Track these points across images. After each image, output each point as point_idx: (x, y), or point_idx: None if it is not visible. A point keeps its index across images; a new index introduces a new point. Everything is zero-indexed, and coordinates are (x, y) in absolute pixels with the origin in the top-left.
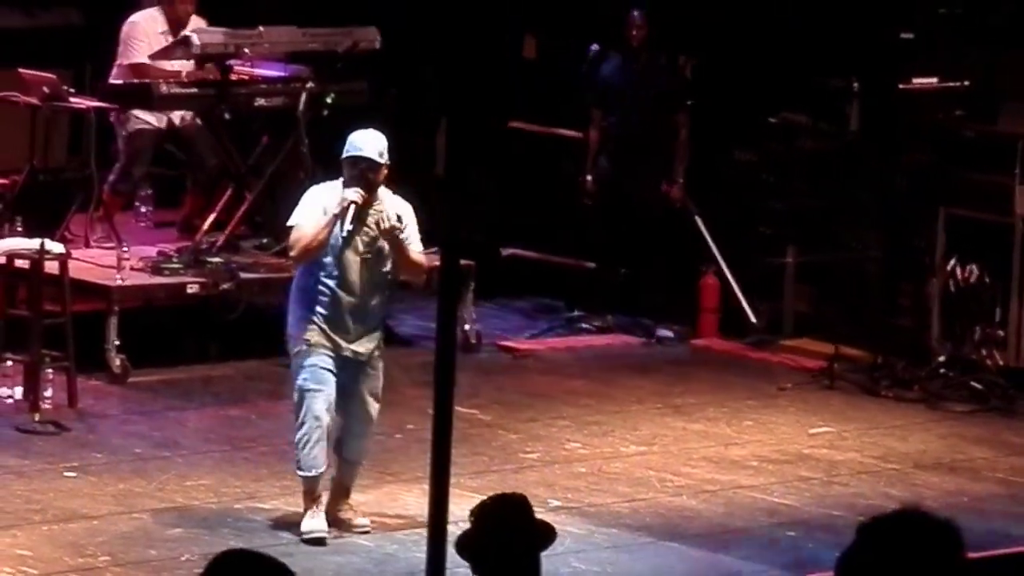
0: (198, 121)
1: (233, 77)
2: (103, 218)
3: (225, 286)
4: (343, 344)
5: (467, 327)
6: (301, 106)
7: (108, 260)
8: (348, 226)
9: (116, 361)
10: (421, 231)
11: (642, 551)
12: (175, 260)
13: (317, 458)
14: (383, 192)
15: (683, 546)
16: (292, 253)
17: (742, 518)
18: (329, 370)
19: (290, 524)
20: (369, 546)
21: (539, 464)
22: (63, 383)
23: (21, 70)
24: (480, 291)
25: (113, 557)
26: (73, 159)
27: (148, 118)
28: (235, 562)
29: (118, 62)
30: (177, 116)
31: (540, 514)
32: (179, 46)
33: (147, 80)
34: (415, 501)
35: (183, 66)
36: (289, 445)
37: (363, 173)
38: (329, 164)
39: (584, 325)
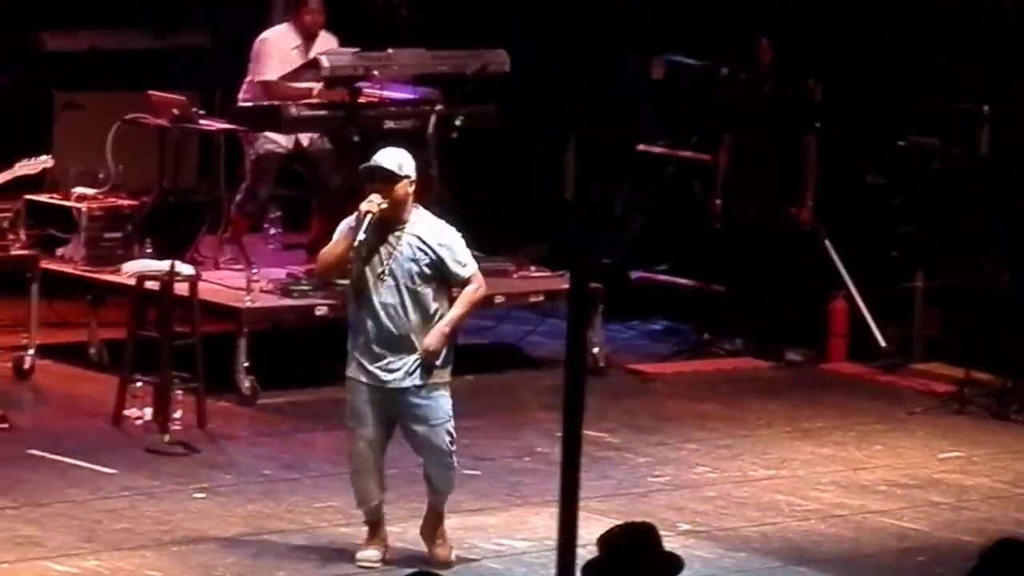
0: (326, 142)
1: (362, 99)
2: (232, 239)
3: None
4: (380, 374)
5: (596, 350)
6: (430, 128)
7: (237, 282)
8: (361, 235)
9: (245, 383)
10: (547, 258)
11: None
12: (304, 282)
13: (365, 492)
14: (418, 215)
15: (812, 571)
16: (315, 268)
17: (871, 543)
18: (367, 404)
19: (422, 546)
20: (498, 568)
21: (668, 488)
22: (192, 404)
23: (151, 92)
24: (609, 314)
25: None
26: (202, 181)
27: (277, 138)
28: None
29: (249, 79)
30: (305, 137)
31: (669, 538)
32: (309, 68)
33: (276, 101)
34: (543, 524)
35: (313, 86)
36: (418, 467)
37: (380, 185)
38: (458, 187)
39: (713, 348)
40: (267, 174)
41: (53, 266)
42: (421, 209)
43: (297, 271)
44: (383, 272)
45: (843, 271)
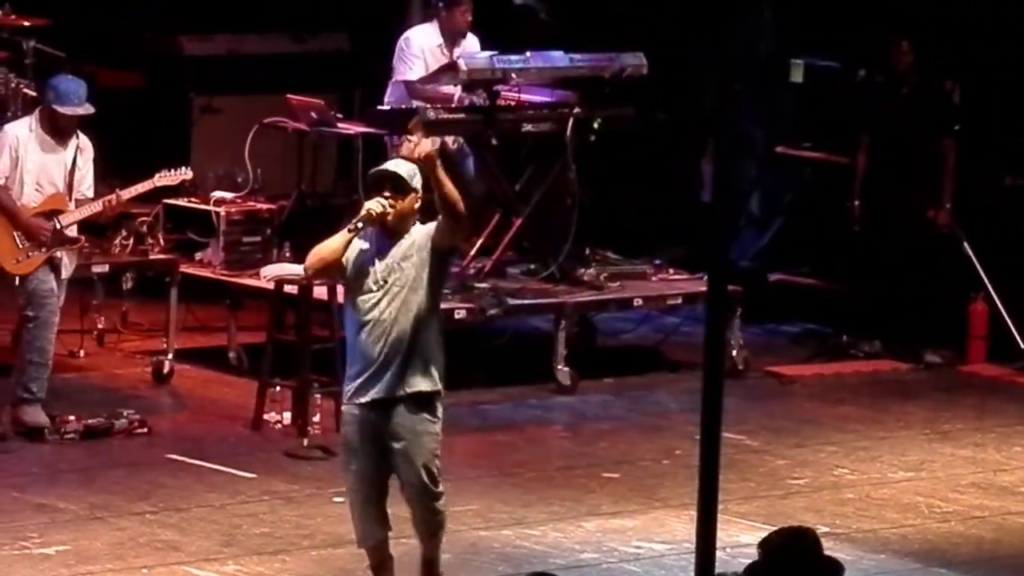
0: (466, 145)
1: (500, 102)
2: None
3: (492, 312)
4: (374, 394)
5: (734, 353)
6: (568, 132)
7: None
8: (359, 224)
9: None
10: (686, 261)
11: None
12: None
13: (363, 531)
14: (416, 229)
15: (951, 573)
16: (305, 263)
17: (1012, 544)
18: (359, 433)
19: (561, 550)
20: (636, 571)
21: (807, 490)
22: (331, 408)
23: (289, 96)
24: (747, 316)
25: None
26: (340, 184)
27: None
28: None
29: (393, 79)
30: (448, 138)
31: None
32: (447, 71)
33: (417, 103)
34: (682, 527)
35: (453, 90)
36: (557, 471)
37: (388, 191)
38: (597, 189)
39: (852, 350)
40: None
41: (192, 270)
42: (420, 225)
43: None
44: (382, 285)
45: (982, 273)
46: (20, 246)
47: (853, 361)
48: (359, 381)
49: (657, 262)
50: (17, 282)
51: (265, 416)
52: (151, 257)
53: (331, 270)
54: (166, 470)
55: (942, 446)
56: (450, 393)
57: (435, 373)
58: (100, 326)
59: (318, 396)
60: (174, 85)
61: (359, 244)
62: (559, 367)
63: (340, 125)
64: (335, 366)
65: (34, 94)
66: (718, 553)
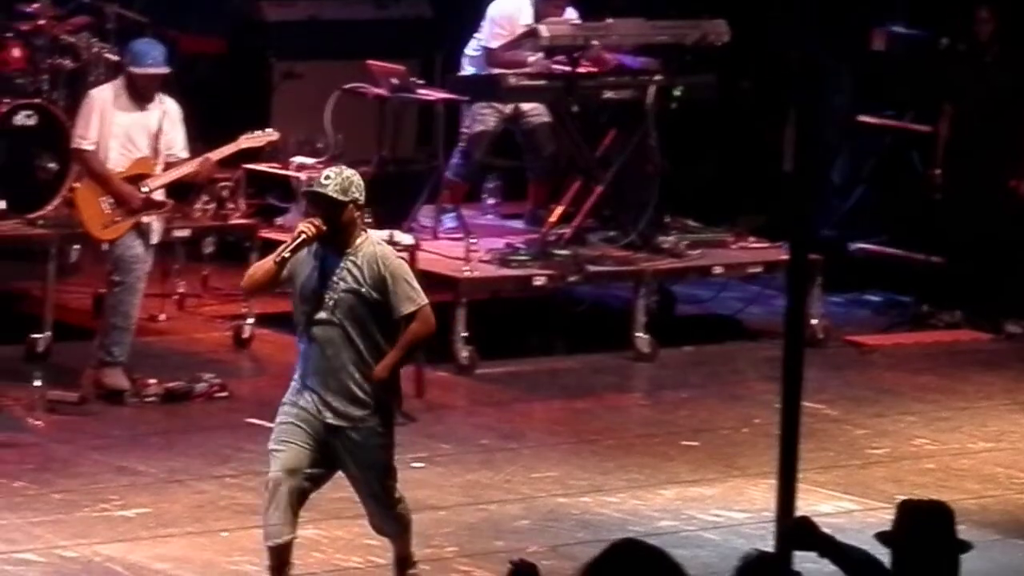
0: (544, 111)
1: (581, 70)
2: (450, 207)
3: (572, 279)
4: (320, 409)
5: (814, 322)
6: (649, 99)
7: (456, 252)
8: (287, 253)
9: (464, 352)
10: (766, 229)
11: (990, 549)
12: (522, 252)
13: (274, 526)
14: (365, 242)
15: None
16: (242, 283)
17: None
18: (292, 428)
19: (639, 517)
20: (715, 539)
21: (886, 460)
22: (411, 374)
23: (370, 62)
24: (828, 286)
25: (460, 548)
26: (421, 150)
27: (496, 105)
28: (630, 551)
29: (476, 36)
30: (526, 104)
31: (886, 510)
32: (527, 37)
33: (495, 70)
34: (761, 495)
35: (530, 56)
36: (636, 438)
37: (322, 211)
38: (676, 158)
39: (932, 320)
40: (483, 139)
41: (272, 235)
42: (371, 235)
43: (515, 241)
44: (324, 302)
45: None
46: (108, 211)
47: (933, 331)
48: (304, 392)
49: (738, 230)
50: (105, 247)
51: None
52: (232, 222)
53: (265, 290)
54: (245, 434)
55: (1022, 417)
56: (529, 360)
57: (371, 395)
58: (181, 290)
59: None
60: (255, 51)
61: (304, 256)
62: (638, 335)
63: (421, 91)
64: None
65: (116, 59)
66: None
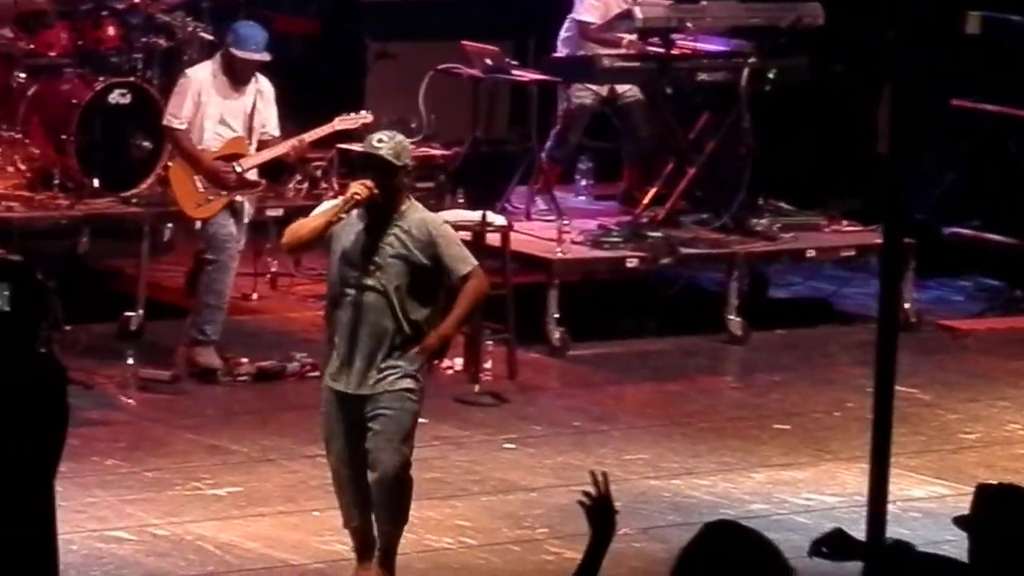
0: (639, 92)
1: (676, 51)
2: (544, 190)
3: (665, 261)
4: (352, 377)
5: (907, 306)
6: (743, 81)
7: (549, 233)
8: (342, 215)
9: (556, 334)
10: (860, 212)
11: None
12: (615, 234)
13: (347, 510)
14: (411, 207)
15: None
16: (283, 241)
17: None
18: (337, 416)
19: (730, 500)
20: (807, 523)
21: (979, 445)
22: (503, 355)
23: (464, 42)
24: (921, 270)
25: (551, 529)
26: (514, 131)
27: (591, 86)
28: (727, 533)
29: (570, 16)
30: (620, 85)
31: None
32: (622, 19)
33: (589, 44)
34: (853, 479)
35: (624, 37)
36: (727, 421)
37: (373, 174)
38: (770, 140)
39: None
40: (579, 122)
41: None
42: (415, 201)
43: (608, 223)
44: (370, 267)
45: None
46: (201, 190)
47: None
48: (340, 365)
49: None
50: (198, 226)
51: (436, 361)
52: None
53: (307, 249)
54: None
55: None
56: (621, 342)
57: (409, 360)
58: (273, 269)
59: (490, 343)
60: (349, 31)
61: (346, 219)
62: (731, 317)
63: (514, 72)
64: (507, 312)
65: (211, 38)
66: (889, 506)
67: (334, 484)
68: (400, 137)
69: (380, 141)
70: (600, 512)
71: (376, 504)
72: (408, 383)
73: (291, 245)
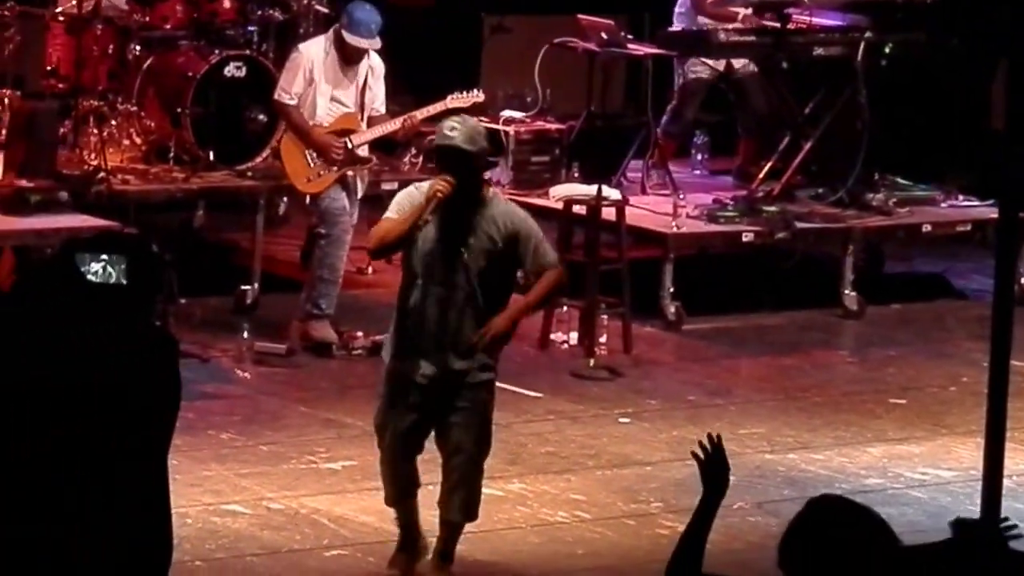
0: (754, 67)
1: (791, 26)
2: (659, 165)
3: (780, 235)
4: (428, 368)
5: (1023, 280)
6: (859, 56)
7: (664, 207)
8: (428, 216)
9: (671, 308)
10: (975, 187)
11: None
12: (731, 208)
13: (390, 491)
14: (493, 196)
15: None
16: (369, 246)
17: None
18: (402, 394)
19: (846, 474)
20: (923, 498)
21: None
22: (618, 329)
23: (579, 16)
24: None
25: (666, 504)
26: (629, 105)
27: (707, 61)
28: (832, 506)
29: None
30: (736, 60)
31: None
32: None
33: (705, 19)
34: (968, 454)
35: (740, 11)
36: (843, 395)
37: (451, 164)
38: (886, 115)
39: None
40: (695, 96)
41: None
42: (497, 192)
43: (724, 197)
44: (455, 261)
45: None
46: (312, 165)
47: None
48: (410, 351)
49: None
50: (309, 200)
51: (552, 336)
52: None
53: (394, 253)
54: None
55: None
56: (736, 316)
57: (488, 356)
58: None
59: (605, 317)
60: (465, 4)
61: (425, 216)
62: (846, 292)
63: (630, 46)
64: (622, 286)
65: (326, 11)
66: (1004, 481)
67: (383, 466)
68: (472, 121)
69: (452, 129)
70: (713, 465)
71: (450, 495)
72: (487, 375)
73: (379, 250)
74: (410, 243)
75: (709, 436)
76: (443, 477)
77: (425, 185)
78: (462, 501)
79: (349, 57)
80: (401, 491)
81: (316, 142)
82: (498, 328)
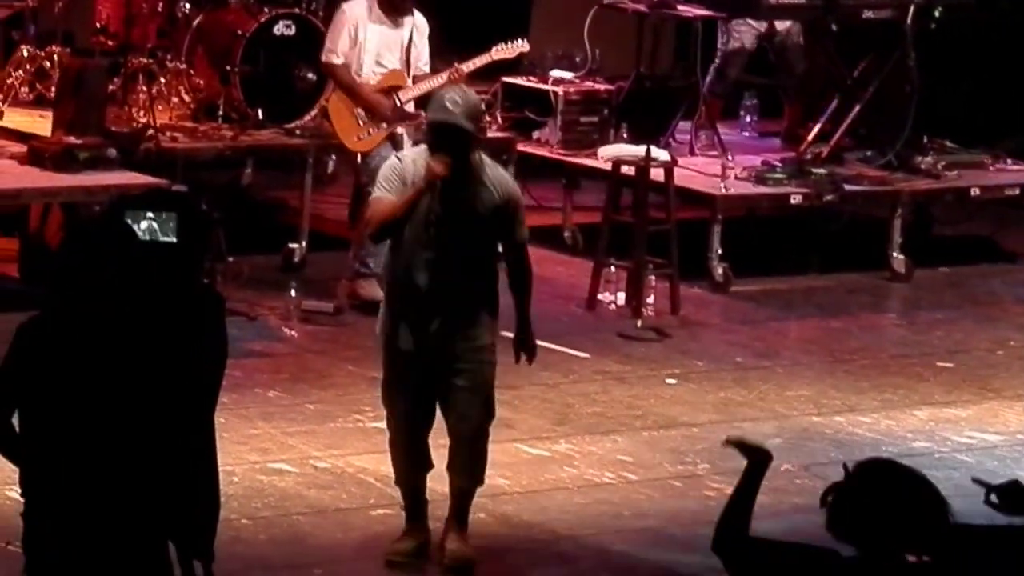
0: (797, 30)
1: None
2: (706, 125)
3: (828, 198)
4: (429, 338)
5: None
6: (908, 19)
7: (712, 169)
8: (421, 195)
9: (719, 270)
10: (1021, 149)
11: None
12: (779, 170)
13: (400, 471)
14: (483, 161)
15: None
16: (368, 231)
17: None
18: (404, 370)
19: (892, 437)
20: (970, 462)
21: None
22: (665, 290)
23: None
24: None
25: (713, 465)
26: (678, 66)
27: (751, 22)
28: (883, 470)
29: None
30: (780, 23)
31: None
32: None
33: None
34: (1016, 418)
35: None
36: (890, 358)
37: (450, 143)
38: (935, 78)
39: None
40: (738, 56)
41: (529, 149)
42: (484, 155)
43: (772, 159)
44: (446, 229)
45: None
46: (361, 123)
47: None
48: (406, 322)
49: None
50: (360, 159)
51: (599, 296)
52: (488, 135)
53: (396, 233)
54: (499, 347)
55: None
56: (784, 278)
57: (482, 315)
58: None
59: (653, 277)
60: None
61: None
62: (894, 255)
63: (680, 7)
64: (670, 247)
65: None
66: None
67: (394, 444)
68: (472, 94)
69: (455, 104)
70: (751, 447)
71: (458, 460)
72: (487, 339)
73: (381, 236)
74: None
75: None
76: (451, 443)
77: (409, 155)
78: (471, 466)
79: (398, 7)
80: (413, 469)
81: (365, 100)
82: (533, 346)
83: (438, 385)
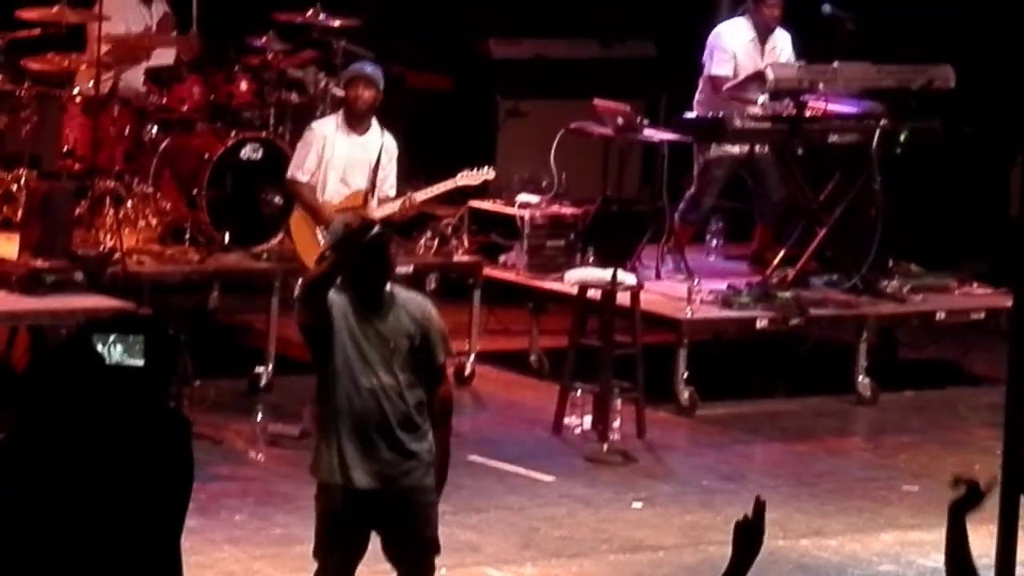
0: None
1: (807, 113)
2: (674, 249)
3: (794, 321)
4: (370, 476)
5: None
6: (874, 143)
7: (678, 292)
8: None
9: (684, 393)
10: (988, 274)
11: None
12: (745, 294)
13: None
14: (392, 289)
15: None
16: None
17: None
18: (342, 518)
19: (858, 561)
20: None
21: None
22: (632, 414)
23: (596, 101)
24: None
25: None
26: (645, 190)
27: (729, 147)
28: None
29: (704, 75)
30: (758, 147)
31: None
32: (755, 80)
33: (723, 99)
34: (981, 542)
35: (759, 98)
36: (856, 482)
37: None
38: (900, 202)
39: None
40: (715, 183)
41: (495, 273)
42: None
43: (738, 283)
44: (382, 353)
45: None
46: (322, 243)
47: None
48: (348, 458)
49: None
50: None
51: (566, 420)
52: (455, 259)
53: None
54: (466, 471)
55: None
56: (750, 402)
57: (423, 449)
58: None
59: (619, 401)
60: (481, 88)
61: (344, 301)
62: (860, 378)
63: (646, 131)
64: (636, 371)
65: (342, 94)
66: (1018, 570)
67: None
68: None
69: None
70: (747, 533)
71: None
72: (431, 479)
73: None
74: (328, 345)
75: (756, 499)
76: None
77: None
78: None
79: (360, 117)
80: None
81: (323, 220)
82: (444, 480)
83: (380, 527)
